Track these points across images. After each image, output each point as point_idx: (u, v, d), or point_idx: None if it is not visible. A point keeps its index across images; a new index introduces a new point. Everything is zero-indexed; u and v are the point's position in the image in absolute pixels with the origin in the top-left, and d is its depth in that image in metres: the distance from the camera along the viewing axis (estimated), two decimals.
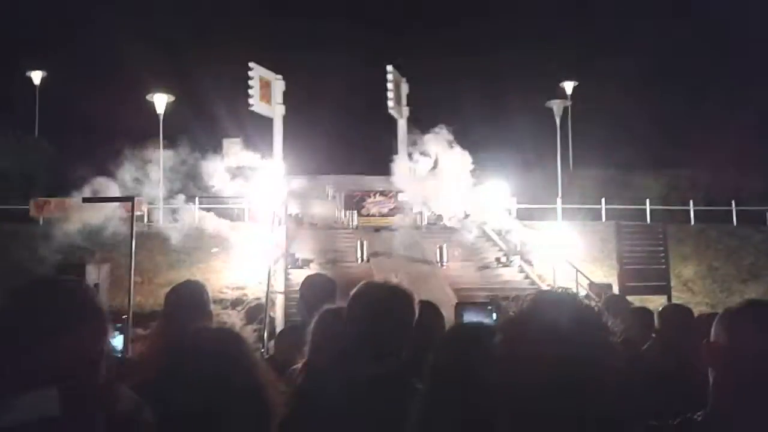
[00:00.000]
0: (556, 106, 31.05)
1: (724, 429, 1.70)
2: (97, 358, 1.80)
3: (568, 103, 32.24)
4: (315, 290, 3.97)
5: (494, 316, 5.31)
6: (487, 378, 1.59)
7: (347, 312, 2.52)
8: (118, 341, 5.16)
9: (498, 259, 22.53)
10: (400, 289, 2.53)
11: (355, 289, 2.56)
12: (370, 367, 2.36)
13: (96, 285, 15.30)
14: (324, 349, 2.61)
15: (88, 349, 1.78)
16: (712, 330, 1.77)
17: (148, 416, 1.83)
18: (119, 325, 5.28)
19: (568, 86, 33.17)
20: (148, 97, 28.63)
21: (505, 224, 25.25)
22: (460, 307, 5.96)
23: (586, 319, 1.57)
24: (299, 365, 2.78)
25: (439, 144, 28.67)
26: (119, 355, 5.04)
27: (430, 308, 3.34)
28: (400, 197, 27.42)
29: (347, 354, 2.42)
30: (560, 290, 1.71)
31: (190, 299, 3.57)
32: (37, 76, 34.90)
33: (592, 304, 1.71)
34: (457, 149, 27.65)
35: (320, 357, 2.61)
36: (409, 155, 31.12)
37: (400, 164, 29.87)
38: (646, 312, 5.06)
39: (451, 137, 27.65)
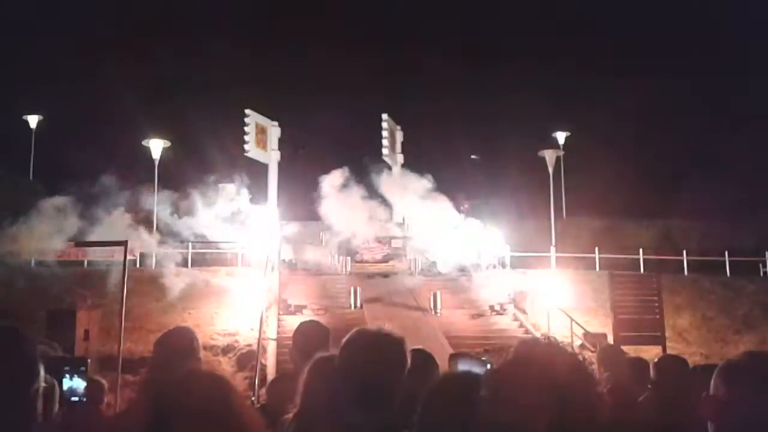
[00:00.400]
0: (549, 155, 31.31)
1: None
2: (23, 401, 1.88)
3: (561, 152, 32.51)
4: (307, 337, 3.89)
5: (488, 367, 5.25)
6: (473, 427, 1.57)
7: (338, 360, 2.48)
8: (77, 383, 5.24)
9: (492, 308, 22.44)
10: (392, 337, 2.49)
11: (346, 337, 2.52)
12: (361, 417, 2.32)
13: (86, 331, 15.19)
14: (316, 397, 2.56)
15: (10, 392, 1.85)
16: (712, 383, 1.75)
17: None
18: (83, 368, 5.34)
19: (561, 136, 33.48)
20: (143, 143, 28.80)
21: (499, 272, 25.26)
22: (455, 357, 5.90)
23: (569, 368, 1.56)
24: (291, 414, 2.73)
25: (433, 192, 28.80)
26: (79, 399, 5.12)
27: (425, 357, 3.30)
28: (394, 244, 27.42)
29: (339, 403, 2.38)
30: (543, 339, 1.71)
31: (179, 346, 3.53)
32: (33, 120, 35.13)
33: (587, 354, 1.70)
34: (451, 197, 27.79)
35: (312, 406, 2.56)
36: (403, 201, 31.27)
37: (395, 210, 29.94)
38: (641, 363, 5.02)
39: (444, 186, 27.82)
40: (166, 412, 1.91)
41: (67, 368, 5.27)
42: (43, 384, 1.96)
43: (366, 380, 2.37)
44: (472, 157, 30.42)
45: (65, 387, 5.14)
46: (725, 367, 1.74)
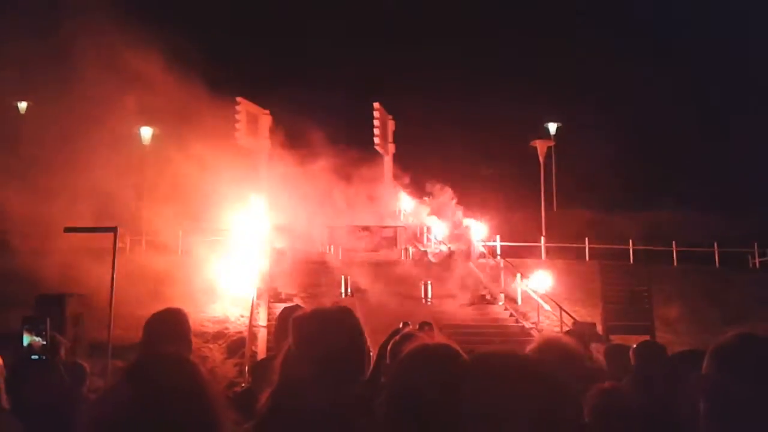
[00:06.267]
0: (540, 145, 31.38)
1: None
2: None
3: (552, 143, 32.56)
4: (286, 322, 3.90)
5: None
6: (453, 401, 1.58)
7: (293, 340, 2.49)
8: (37, 340, 5.39)
9: (483, 297, 22.49)
10: (346, 313, 2.51)
11: (303, 315, 2.54)
12: (327, 395, 2.33)
13: (76, 317, 15.14)
14: (288, 377, 2.57)
15: None
16: (704, 363, 1.78)
17: None
18: (42, 326, 5.42)
19: (552, 127, 33.53)
20: (135, 130, 28.72)
21: (489, 261, 25.34)
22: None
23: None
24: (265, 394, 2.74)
25: (424, 181, 28.88)
26: (39, 356, 5.26)
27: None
28: (385, 233, 27.43)
29: (304, 383, 2.38)
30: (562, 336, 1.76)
31: (169, 327, 3.52)
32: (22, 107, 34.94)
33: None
34: (442, 186, 27.85)
35: (284, 385, 2.57)
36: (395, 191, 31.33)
37: (386, 200, 29.99)
38: (622, 349, 5.10)
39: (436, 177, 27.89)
40: (148, 395, 1.90)
41: (27, 326, 5.34)
42: None
43: (326, 359, 2.38)
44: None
45: (25, 343, 5.22)
46: (717, 348, 1.77)
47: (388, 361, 3.64)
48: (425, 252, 27.74)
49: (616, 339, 16.39)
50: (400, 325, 4.70)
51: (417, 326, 4.93)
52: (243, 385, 12.13)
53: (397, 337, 3.69)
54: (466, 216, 28.74)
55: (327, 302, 2.61)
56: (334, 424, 2.27)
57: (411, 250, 27.30)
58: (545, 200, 30.81)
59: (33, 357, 5.31)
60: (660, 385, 3.47)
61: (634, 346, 4.40)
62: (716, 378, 1.73)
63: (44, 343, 5.38)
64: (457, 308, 21.44)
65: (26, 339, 5.31)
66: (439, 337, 2.18)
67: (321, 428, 2.26)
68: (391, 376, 2.14)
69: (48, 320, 5.53)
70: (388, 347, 3.73)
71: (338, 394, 2.34)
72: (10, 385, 2.91)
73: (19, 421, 2.91)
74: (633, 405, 3.49)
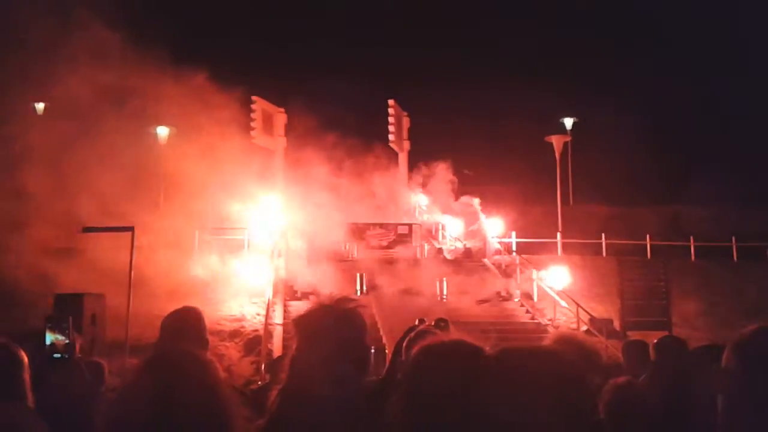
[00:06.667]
0: (556, 140, 31.23)
1: None
2: None
3: (568, 138, 32.40)
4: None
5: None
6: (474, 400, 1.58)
7: (297, 338, 2.54)
8: (60, 339, 5.44)
9: (498, 293, 22.44)
10: (347, 309, 2.55)
11: (304, 314, 2.58)
12: (334, 391, 2.35)
13: (93, 316, 15.25)
14: (294, 377, 2.60)
15: None
16: (723, 357, 1.77)
17: None
18: (65, 324, 5.47)
19: (568, 122, 33.37)
20: (151, 129, 28.87)
21: (505, 258, 25.28)
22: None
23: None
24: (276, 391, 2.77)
25: (440, 177, 28.83)
26: (62, 355, 5.29)
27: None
28: (400, 230, 27.42)
29: (310, 379, 2.41)
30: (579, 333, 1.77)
31: (185, 326, 3.54)
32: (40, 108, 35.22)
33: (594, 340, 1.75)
34: (458, 183, 27.79)
35: (290, 385, 2.59)
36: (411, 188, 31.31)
37: (402, 197, 29.98)
38: (642, 344, 5.05)
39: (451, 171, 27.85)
40: (162, 392, 1.91)
41: (50, 325, 5.37)
42: None
43: (324, 350, 2.41)
44: (465, 172, 30.40)
45: (47, 342, 5.25)
46: (738, 342, 1.76)
47: (403, 358, 3.65)
48: (441, 249, 27.70)
49: (633, 335, 16.28)
50: (416, 322, 4.70)
51: (433, 323, 4.92)
52: (259, 382, 12.19)
53: (413, 334, 3.69)
54: (482, 212, 28.69)
55: (326, 300, 2.64)
56: (341, 419, 2.29)
57: (426, 247, 27.28)
58: (561, 196, 30.68)
59: (55, 356, 5.34)
60: (680, 381, 3.44)
61: (655, 341, 4.36)
62: (735, 372, 1.72)
63: (67, 342, 5.42)
64: (473, 305, 21.41)
65: (49, 338, 5.34)
66: (455, 334, 2.18)
67: (329, 423, 2.28)
68: (405, 372, 2.15)
69: (70, 319, 5.57)
70: (404, 344, 3.74)
71: (344, 390, 2.37)
72: (34, 383, 2.94)
73: (43, 420, 2.94)
74: (648, 400, 3.47)
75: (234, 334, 18.51)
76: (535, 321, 20.41)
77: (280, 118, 31.12)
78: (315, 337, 2.46)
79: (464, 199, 29.55)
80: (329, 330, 2.45)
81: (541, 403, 1.54)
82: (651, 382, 3.93)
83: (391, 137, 32.19)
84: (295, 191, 26.88)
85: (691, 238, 28.35)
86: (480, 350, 2.00)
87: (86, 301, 14.95)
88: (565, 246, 27.64)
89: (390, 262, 24.29)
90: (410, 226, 27.82)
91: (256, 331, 18.39)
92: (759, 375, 1.67)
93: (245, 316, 19.54)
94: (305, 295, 20.70)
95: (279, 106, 31.18)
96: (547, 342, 2.94)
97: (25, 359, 3.16)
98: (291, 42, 43.79)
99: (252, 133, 29.43)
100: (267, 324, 18.16)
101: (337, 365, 2.39)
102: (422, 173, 31.49)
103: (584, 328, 18.87)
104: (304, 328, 2.52)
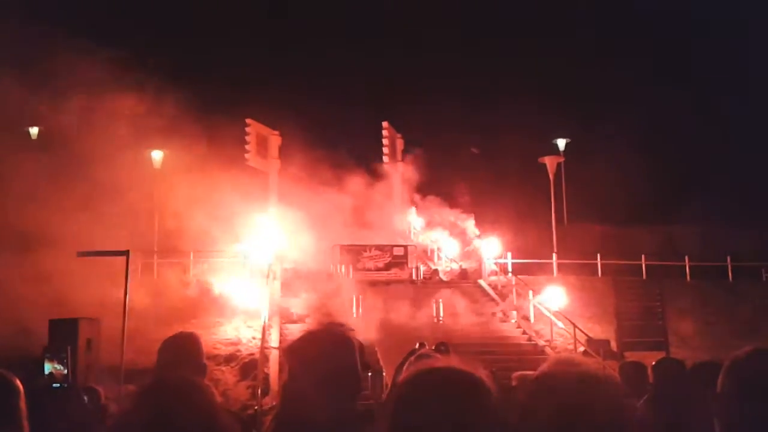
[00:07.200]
0: (549, 161, 31.33)
1: None
2: None
3: (561, 159, 32.50)
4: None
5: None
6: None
7: (289, 364, 2.58)
8: (58, 369, 5.44)
9: (494, 314, 22.40)
10: (339, 335, 2.58)
11: (294, 341, 2.62)
12: (326, 413, 2.37)
13: (89, 341, 15.14)
14: (287, 401, 2.62)
15: None
16: (719, 380, 1.76)
17: None
18: (63, 354, 5.48)
19: (561, 143, 33.48)
20: (146, 153, 28.88)
21: (501, 279, 25.27)
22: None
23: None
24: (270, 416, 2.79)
25: (434, 200, 28.86)
26: (60, 384, 5.28)
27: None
28: (396, 251, 27.40)
29: (303, 403, 2.42)
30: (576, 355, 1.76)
31: (182, 352, 3.52)
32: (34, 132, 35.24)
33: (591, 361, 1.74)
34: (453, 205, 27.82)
35: (284, 409, 2.60)
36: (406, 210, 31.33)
37: (396, 218, 29.99)
38: (640, 366, 5.04)
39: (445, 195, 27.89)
40: (159, 420, 1.90)
41: (48, 355, 5.36)
42: None
43: (316, 374, 2.43)
44: (473, 150, 30.47)
45: (46, 372, 5.22)
46: (731, 366, 1.75)
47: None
48: (436, 270, 27.68)
49: (630, 356, 16.25)
50: (417, 346, 4.69)
51: (433, 347, 4.91)
52: (256, 407, 12.10)
53: (413, 358, 3.68)
54: (477, 233, 28.73)
55: (316, 325, 2.69)
56: None
57: (422, 268, 27.25)
58: (556, 216, 30.73)
59: (54, 385, 5.30)
60: (680, 406, 3.43)
61: (653, 363, 4.34)
62: (731, 396, 1.71)
63: (65, 372, 5.39)
64: (469, 326, 21.34)
65: (48, 367, 5.31)
66: (455, 360, 1.99)
67: None
68: (390, 397, 2.12)
69: (69, 349, 5.55)
70: (404, 368, 3.73)
71: (337, 412, 2.39)
72: (30, 411, 2.91)
73: None
74: (646, 423, 3.45)
75: (230, 358, 18.41)
76: (532, 342, 20.36)
77: (275, 140, 31.20)
78: (306, 363, 2.48)
79: (459, 220, 29.62)
80: (320, 356, 2.48)
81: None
82: (651, 406, 3.92)
83: (385, 159, 32.33)
84: (289, 213, 26.86)
85: (686, 257, 28.39)
86: (479, 382, 1.77)
87: (81, 325, 14.83)
88: (560, 266, 27.64)
89: (386, 283, 24.26)
90: (406, 247, 27.80)
91: (252, 354, 18.31)
92: (754, 399, 1.66)
93: (241, 339, 19.45)
94: (301, 318, 20.65)
95: (273, 128, 31.26)
96: (543, 367, 2.91)
97: (21, 387, 3.14)
98: (285, 65, 43.91)
99: (246, 155, 29.54)
100: (263, 347, 18.07)
101: (329, 390, 2.41)
102: (417, 194, 31.59)
103: (581, 349, 18.82)
104: (294, 354, 2.54)
